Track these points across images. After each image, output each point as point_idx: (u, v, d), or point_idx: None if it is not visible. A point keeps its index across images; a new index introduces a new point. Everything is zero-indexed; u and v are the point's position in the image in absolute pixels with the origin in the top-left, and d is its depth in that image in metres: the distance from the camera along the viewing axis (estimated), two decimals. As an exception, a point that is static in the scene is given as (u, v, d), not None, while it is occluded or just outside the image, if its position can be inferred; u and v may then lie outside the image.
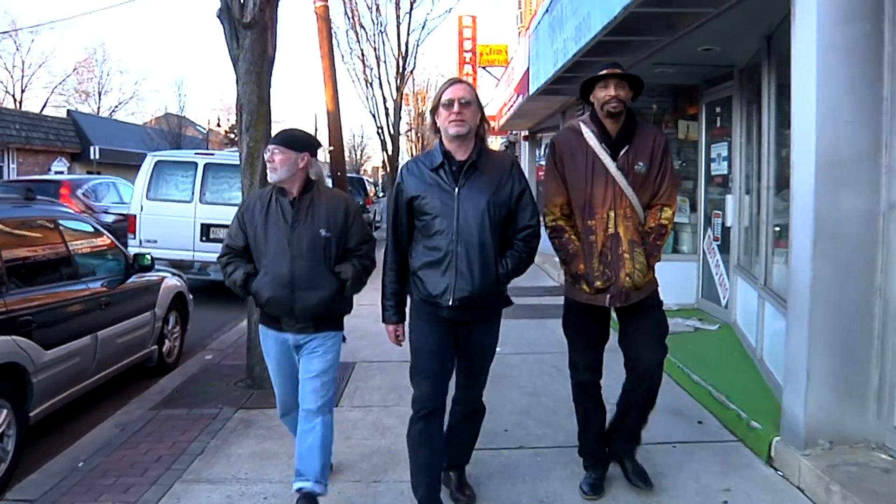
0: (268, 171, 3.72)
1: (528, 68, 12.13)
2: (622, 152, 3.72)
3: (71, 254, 5.55)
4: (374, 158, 65.91)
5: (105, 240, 6.32)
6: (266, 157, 3.73)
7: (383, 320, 3.73)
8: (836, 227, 3.96)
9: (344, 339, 3.96)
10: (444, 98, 3.47)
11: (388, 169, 24.35)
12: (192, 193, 10.60)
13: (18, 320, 4.55)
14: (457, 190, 3.45)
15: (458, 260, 3.43)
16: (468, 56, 24.96)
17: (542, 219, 3.71)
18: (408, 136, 45.13)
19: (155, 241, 10.44)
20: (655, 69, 7.85)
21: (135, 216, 10.72)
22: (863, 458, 3.86)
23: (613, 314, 3.89)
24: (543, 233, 3.70)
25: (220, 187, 10.67)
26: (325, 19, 15.18)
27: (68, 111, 35.76)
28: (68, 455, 4.58)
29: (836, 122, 3.94)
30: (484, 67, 24.91)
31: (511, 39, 22.99)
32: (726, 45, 6.79)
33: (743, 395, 5.05)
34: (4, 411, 4.38)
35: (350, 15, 21.21)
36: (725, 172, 7.99)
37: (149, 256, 6.48)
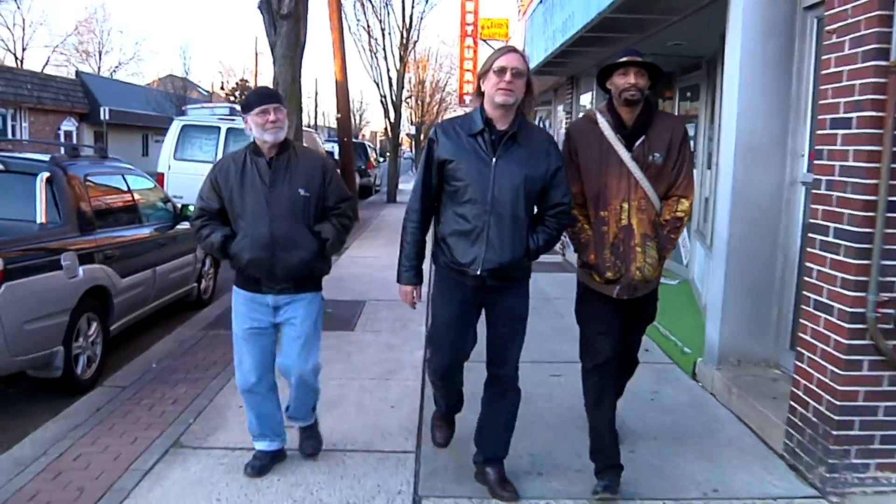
0: (268, 131, 3.59)
1: (524, 49, 13.19)
2: (638, 143, 3.65)
3: (136, 202, 6.73)
4: (373, 124, 66.96)
5: (158, 192, 7.50)
6: (268, 118, 3.57)
7: (399, 280, 3.66)
8: (750, 197, 5.09)
9: (323, 300, 3.98)
10: (497, 65, 3.38)
11: (391, 135, 25.47)
12: (215, 155, 11.65)
13: (105, 254, 5.73)
14: (494, 160, 3.41)
15: (490, 231, 3.40)
16: (469, 29, 25.86)
17: None
18: (408, 104, 45.91)
19: (181, 197, 11.56)
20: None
21: (163, 174, 11.86)
22: (760, 372, 5.07)
23: None
24: None
25: (240, 145, 11.79)
26: (334, -3, 16.18)
27: (77, 72, 36.50)
28: (142, 359, 5.78)
29: (753, 115, 5.05)
30: (485, 40, 25.78)
31: (511, 14, 23.82)
32: (692, 41, 7.90)
33: (683, 332, 6.26)
34: (95, 323, 5.58)
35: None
36: (692, 150, 9.12)
37: (191, 207, 7.63)
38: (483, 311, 3.66)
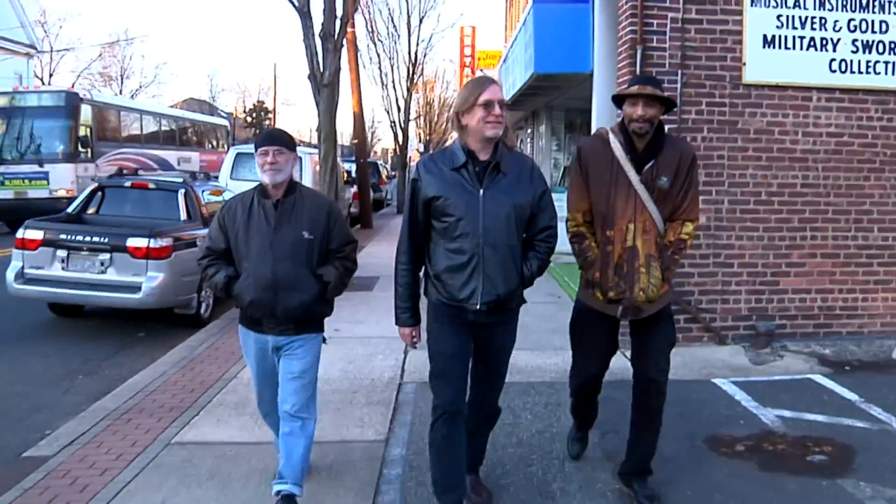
0: (266, 173, 3.66)
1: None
2: (648, 166, 3.67)
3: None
4: (384, 141, 70.44)
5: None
6: (266, 159, 3.64)
7: (397, 323, 3.64)
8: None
9: (324, 341, 4.01)
10: (483, 98, 3.35)
11: (400, 154, 29.13)
12: (263, 176, 15.38)
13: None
14: (481, 192, 3.38)
15: (486, 263, 3.37)
16: (468, 60, 29.44)
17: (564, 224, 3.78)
18: (417, 123, 49.25)
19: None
20: (567, 102, 12.43)
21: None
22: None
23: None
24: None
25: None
26: (352, 42, 19.63)
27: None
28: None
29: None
30: (482, 70, 29.33)
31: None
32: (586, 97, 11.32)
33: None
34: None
35: (370, 30, 25.81)
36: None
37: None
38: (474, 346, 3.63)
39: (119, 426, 5.08)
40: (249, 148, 16.25)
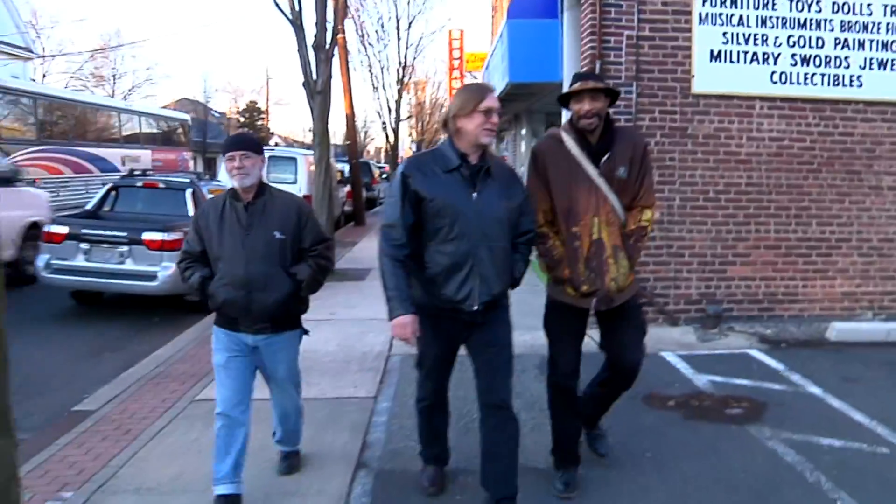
0: (235, 177, 3.72)
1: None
2: (604, 159, 3.75)
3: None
4: (377, 140, 71.49)
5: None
6: (234, 164, 3.69)
7: (391, 315, 3.48)
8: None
9: (306, 332, 4.11)
10: (484, 105, 3.41)
11: (391, 154, 30.07)
12: (267, 175, 16.07)
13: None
14: (475, 195, 3.42)
15: (481, 265, 3.42)
16: (456, 63, 30.30)
17: None
18: (408, 123, 50.18)
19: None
20: (546, 106, 13.33)
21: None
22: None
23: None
24: None
25: (278, 170, 16.16)
26: (343, 47, 20.45)
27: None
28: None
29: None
30: (470, 72, 30.23)
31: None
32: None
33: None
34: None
35: (360, 34, 26.73)
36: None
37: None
38: (467, 345, 3.69)
39: (149, 388, 5.98)
40: (276, 151, 17.20)
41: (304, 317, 4.13)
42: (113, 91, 53.13)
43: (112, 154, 19.72)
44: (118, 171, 17.86)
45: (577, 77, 3.85)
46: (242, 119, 61.94)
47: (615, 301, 3.86)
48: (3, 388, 3.33)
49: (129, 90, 55.00)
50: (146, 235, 8.68)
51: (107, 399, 5.72)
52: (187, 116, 29.10)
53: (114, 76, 54.43)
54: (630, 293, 3.95)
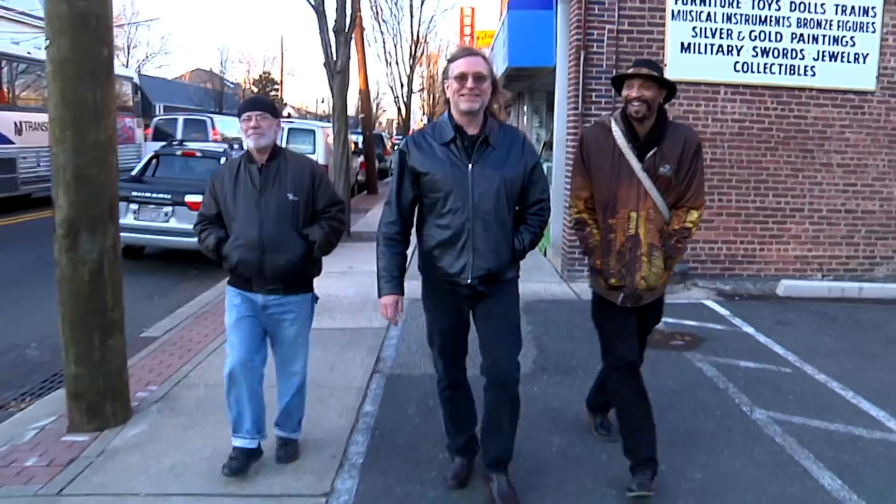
0: (251, 137, 3.72)
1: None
2: (650, 154, 3.63)
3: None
4: (389, 112, 72.41)
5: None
6: (250, 124, 3.69)
7: (379, 294, 3.55)
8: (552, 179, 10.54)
9: (316, 300, 4.12)
10: (456, 71, 3.27)
11: (403, 127, 31.24)
12: (285, 144, 17.31)
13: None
14: (470, 167, 3.33)
15: (476, 238, 3.35)
16: (468, 40, 31.35)
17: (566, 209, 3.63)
18: (420, 95, 51.05)
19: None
20: (547, 86, 14.49)
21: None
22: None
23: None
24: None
25: (297, 141, 17.40)
26: (359, 25, 21.61)
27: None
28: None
29: (565, 124, 10.50)
30: (481, 49, 31.32)
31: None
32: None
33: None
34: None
35: (374, 10, 27.85)
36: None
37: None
38: (473, 317, 3.64)
39: (199, 321, 7.31)
40: (297, 123, 18.43)
41: (325, 269, 4.28)
42: (127, 60, 54.04)
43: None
44: (12, 143, 15.60)
45: (636, 63, 3.76)
46: (256, 90, 62.80)
47: (643, 299, 3.79)
48: (117, 303, 4.67)
49: (144, 59, 55.89)
50: (188, 197, 9.94)
51: (166, 329, 7.03)
52: (133, 73, 24.82)
53: (128, 45, 55.49)
54: (660, 292, 3.89)
